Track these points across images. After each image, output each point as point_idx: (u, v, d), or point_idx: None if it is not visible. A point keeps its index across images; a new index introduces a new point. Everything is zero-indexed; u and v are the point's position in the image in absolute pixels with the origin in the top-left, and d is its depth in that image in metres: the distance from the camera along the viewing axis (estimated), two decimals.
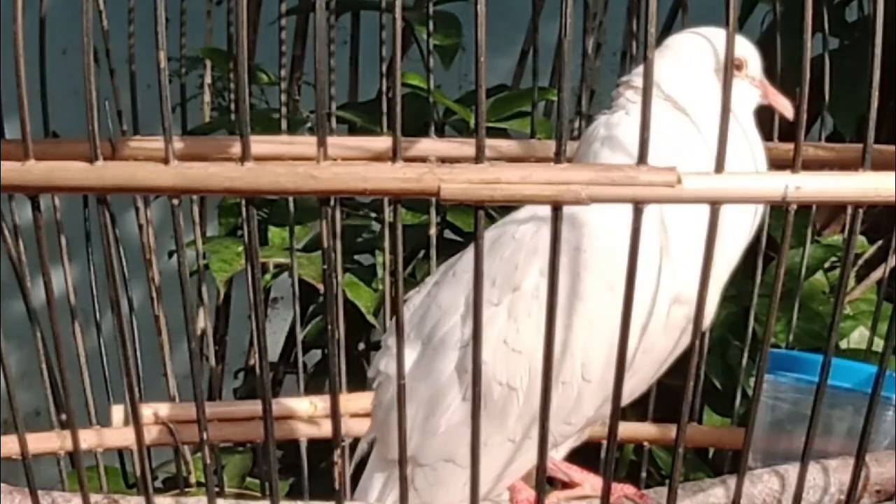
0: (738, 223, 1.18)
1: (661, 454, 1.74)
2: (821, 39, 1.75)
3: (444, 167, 0.97)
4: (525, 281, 1.18)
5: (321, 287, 1.82)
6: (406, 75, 1.94)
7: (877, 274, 1.89)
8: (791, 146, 1.05)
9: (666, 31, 1.84)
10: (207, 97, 2.16)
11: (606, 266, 1.14)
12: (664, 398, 1.43)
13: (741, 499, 1.14)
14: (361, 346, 2.05)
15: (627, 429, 1.55)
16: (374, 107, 1.84)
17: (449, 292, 1.23)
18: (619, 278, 1.00)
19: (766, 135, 1.29)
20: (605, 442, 1.32)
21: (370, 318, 1.84)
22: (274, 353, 2.20)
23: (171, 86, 1.10)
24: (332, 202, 1.00)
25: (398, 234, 1.01)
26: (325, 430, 1.56)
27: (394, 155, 0.97)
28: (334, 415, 1.03)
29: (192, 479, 1.70)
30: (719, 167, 0.98)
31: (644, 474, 1.59)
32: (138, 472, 1.11)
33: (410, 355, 1.22)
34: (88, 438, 1.51)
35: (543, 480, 1.04)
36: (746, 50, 1.26)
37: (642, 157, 0.97)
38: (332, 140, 1.31)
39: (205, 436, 1.06)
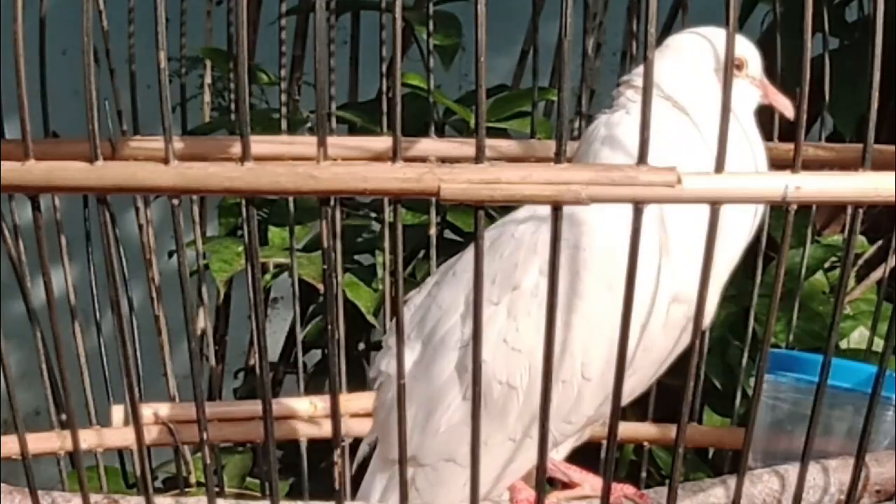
0: (739, 223, 1.18)
1: (661, 454, 1.74)
2: (821, 39, 1.75)
3: (444, 167, 0.97)
4: (524, 280, 1.18)
5: (321, 287, 1.82)
6: (406, 75, 1.94)
7: (877, 274, 1.89)
8: (791, 146, 1.05)
9: (666, 31, 1.84)
10: (207, 97, 2.16)
11: (605, 264, 1.15)
12: (664, 398, 1.43)
13: (741, 499, 1.13)
14: (361, 346, 2.05)
15: (627, 429, 1.55)
16: (374, 107, 1.84)
17: (449, 292, 1.23)
18: (618, 276, 1.00)
19: (767, 135, 1.29)
20: (605, 442, 1.32)
21: (370, 318, 1.84)
22: (274, 353, 2.20)
23: (171, 86, 1.10)
24: (332, 202, 1.00)
25: (398, 234, 1.01)
26: (325, 430, 1.56)
27: (394, 155, 0.97)
28: (334, 415, 1.03)
29: (192, 479, 1.70)
30: (719, 167, 0.98)
31: (644, 474, 1.59)
32: (138, 472, 1.11)
33: (411, 355, 1.22)
34: (88, 438, 1.51)
35: (543, 480, 1.04)
36: (747, 50, 1.26)
37: (642, 157, 0.97)
38: (332, 140, 1.31)
39: (205, 436, 1.06)
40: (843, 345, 1.82)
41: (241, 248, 1.84)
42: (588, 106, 1.84)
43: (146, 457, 1.09)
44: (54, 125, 1.49)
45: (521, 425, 1.19)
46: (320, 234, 1.54)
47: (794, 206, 1.01)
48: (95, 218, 1.48)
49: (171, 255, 1.95)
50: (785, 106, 1.28)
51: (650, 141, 0.97)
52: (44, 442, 1.48)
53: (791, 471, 1.21)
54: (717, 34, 1.23)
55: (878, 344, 1.55)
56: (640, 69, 1.22)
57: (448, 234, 1.93)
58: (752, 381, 1.61)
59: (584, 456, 1.28)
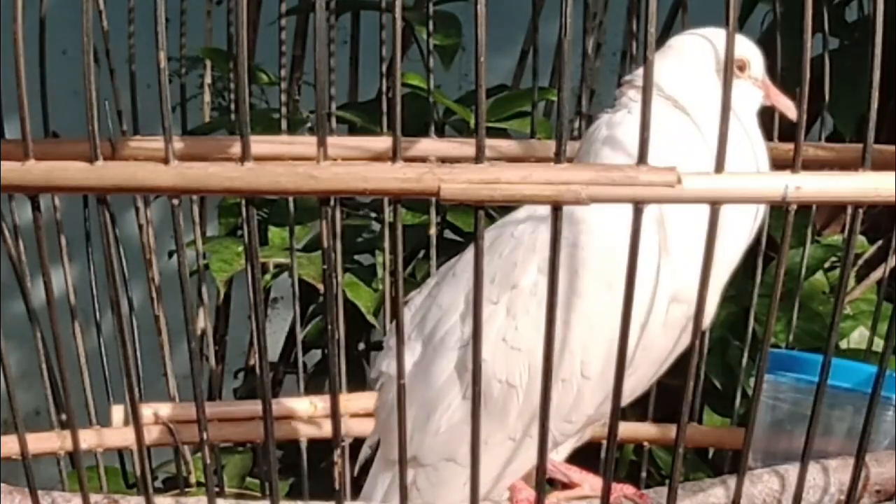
0: (739, 224, 1.18)
1: (661, 454, 1.74)
2: (821, 39, 1.75)
3: (444, 167, 0.97)
4: (523, 278, 1.18)
5: (321, 287, 1.82)
6: (406, 75, 1.93)
7: (877, 274, 1.89)
8: (791, 146, 1.05)
9: (666, 31, 1.84)
10: (207, 97, 2.16)
11: (605, 263, 1.15)
12: (664, 398, 1.43)
13: (741, 499, 1.14)
14: (361, 346, 2.04)
15: (627, 429, 1.55)
16: (374, 107, 1.84)
17: (449, 292, 1.23)
18: (617, 275, 1.00)
19: (767, 135, 1.29)
20: (605, 442, 1.32)
21: (370, 318, 1.84)
22: (274, 353, 2.20)
23: (171, 86, 1.10)
24: (332, 202, 1.00)
25: (398, 234, 1.01)
26: (325, 430, 1.56)
27: (394, 155, 0.97)
28: (334, 415, 1.03)
29: (192, 479, 1.70)
30: (719, 167, 0.98)
31: (644, 474, 1.59)
32: (138, 472, 1.11)
33: (411, 356, 1.23)
34: (88, 438, 1.51)
35: (543, 480, 1.04)
36: (749, 51, 1.26)
37: (642, 157, 0.97)
38: (332, 140, 1.31)
39: (205, 436, 1.06)
40: (843, 345, 1.82)
41: (241, 248, 1.84)
42: (588, 106, 1.84)
43: (146, 457, 1.09)
44: (54, 125, 1.49)
45: (522, 424, 1.19)
46: (320, 234, 1.54)
47: (794, 206, 1.01)
48: (95, 218, 1.48)
49: (171, 255, 1.95)
50: (787, 107, 1.28)
51: (651, 141, 0.97)
52: (44, 442, 1.48)
53: (791, 471, 1.21)
54: (719, 35, 1.23)
55: (878, 344, 1.55)
56: (642, 69, 1.22)
57: (448, 234, 1.93)
58: (752, 381, 1.61)
59: (584, 456, 1.28)
